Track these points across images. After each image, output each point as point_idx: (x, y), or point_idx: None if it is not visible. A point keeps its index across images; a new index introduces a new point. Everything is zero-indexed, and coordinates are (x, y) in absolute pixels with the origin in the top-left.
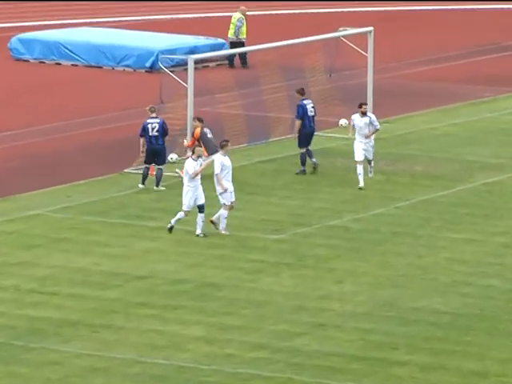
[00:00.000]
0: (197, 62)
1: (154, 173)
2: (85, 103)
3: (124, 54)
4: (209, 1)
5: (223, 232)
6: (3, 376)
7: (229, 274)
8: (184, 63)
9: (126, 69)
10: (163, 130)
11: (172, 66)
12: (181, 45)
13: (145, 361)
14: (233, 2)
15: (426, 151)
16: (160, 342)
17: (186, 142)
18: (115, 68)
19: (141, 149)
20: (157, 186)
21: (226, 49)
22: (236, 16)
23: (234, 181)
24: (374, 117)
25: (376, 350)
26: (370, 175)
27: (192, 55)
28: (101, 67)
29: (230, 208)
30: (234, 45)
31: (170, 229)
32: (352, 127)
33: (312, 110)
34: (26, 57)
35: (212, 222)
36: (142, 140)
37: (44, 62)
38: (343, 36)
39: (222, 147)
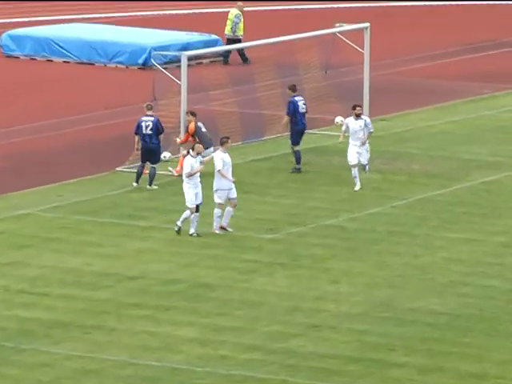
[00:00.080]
0: (190, 58)
1: (147, 171)
2: (76, 100)
3: (116, 50)
4: None
5: (216, 231)
6: None
7: (222, 274)
8: (177, 60)
9: (119, 65)
10: (157, 129)
11: (165, 63)
12: (174, 41)
13: (137, 362)
14: None
15: (423, 149)
16: (152, 343)
17: (178, 140)
18: (107, 65)
19: (135, 146)
20: (149, 184)
21: (220, 45)
22: (233, 12)
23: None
24: (369, 120)
25: (372, 352)
26: (357, 187)
27: (185, 52)
28: (93, 64)
29: (234, 206)
30: (230, 41)
31: (178, 231)
32: (343, 132)
33: (304, 106)
34: (17, 53)
35: (223, 228)
36: (136, 138)
37: (35, 59)
38: (339, 32)
39: (222, 144)
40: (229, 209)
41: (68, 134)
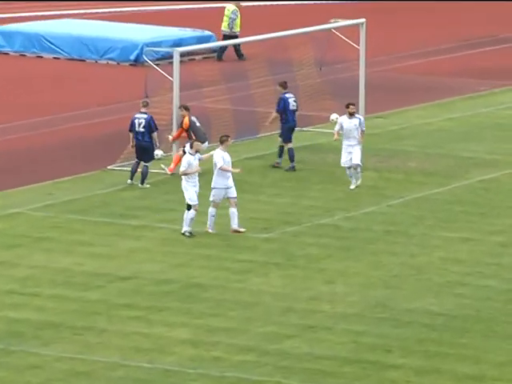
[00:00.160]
0: (183, 54)
1: (139, 169)
2: (67, 97)
3: (107, 46)
4: None
5: (210, 230)
6: None
7: (216, 275)
8: (169, 56)
9: (110, 62)
10: (149, 127)
11: (157, 59)
12: (166, 37)
13: (129, 364)
14: None
15: (420, 147)
16: (144, 344)
17: (170, 137)
18: (98, 61)
19: (131, 143)
20: (142, 183)
21: (213, 41)
22: (230, 8)
23: (210, 175)
24: (363, 119)
25: (368, 353)
26: (353, 186)
27: (178, 48)
28: (83, 60)
29: (235, 205)
30: (227, 38)
31: (190, 234)
32: (337, 131)
33: (294, 104)
34: (6, 49)
35: (236, 231)
36: (131, 135)
37: (25, 55)
38: (334, 28)
39: (222, 142)
40: (232, 210)
41: (58, 131)
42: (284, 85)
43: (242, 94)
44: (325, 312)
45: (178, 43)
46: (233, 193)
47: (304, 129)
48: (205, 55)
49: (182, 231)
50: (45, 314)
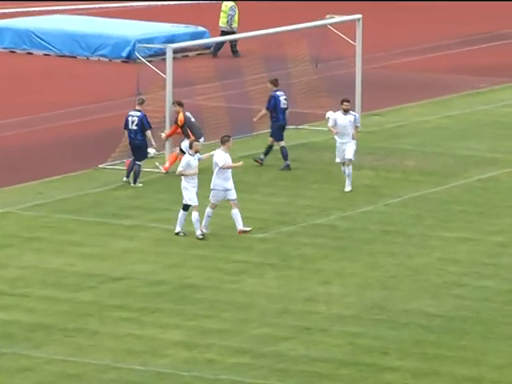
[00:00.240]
0: (176, 51)
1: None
2: (57, 95)
3: (99, 43)
4: None
5: (204, 230)
6: None
7: (210, 275)
8: (162, 53)
9: (101, 58)
10: (141, 125)
11: (149, 56)
12: (159, 33)
13: (121, 367)
14: None
15: (418, 145)
16: (137, 346)
17: (163, 135)
18: (90, 58)
19: (127, 141)
20: (134, 182)
21: (206, 37)
22: (228, 4)
23: (208, 175)
24: (358, 115)
25: (365, 355)
26: (347, 188)
27: (171, 44)
28: (75, 57)
29: (236, 206)
30: (225, 34)
31: (202, 236)
32: (331, 127)
33: (285, 102)
34: None
35: (242, 231)
36: (126, 132)
37: (15, 52)
38: (330, 24)
39: (223, 143)
40: (234, 211)
41: (49, 129)
42: (275, 82)
43: (237, 92)
44: (321, 313)
45: (171, 39)
46: (232, 195)
47: (300, 127)
48: (198, 52)
49: (176, 231)
50: (35, 316)
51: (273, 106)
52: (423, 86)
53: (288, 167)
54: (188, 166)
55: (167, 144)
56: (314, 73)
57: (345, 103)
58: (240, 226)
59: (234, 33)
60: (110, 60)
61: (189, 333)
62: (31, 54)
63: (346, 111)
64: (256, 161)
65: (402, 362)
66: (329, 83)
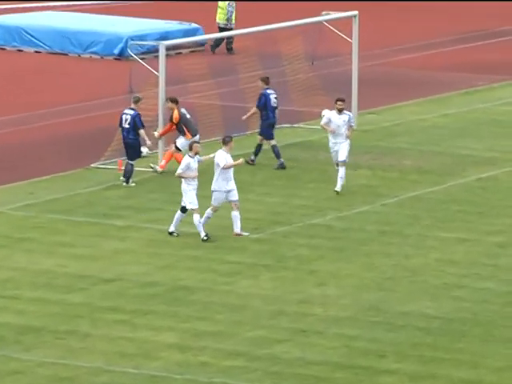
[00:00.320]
0: (169, 48)
1: (122, 168)
2: (49, 93)
3: (91, 40)
4: None
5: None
6: None
7: (203, 277)
8: (155, 50)
9: (93, 56)
10: (134, 124)
11: (142, 53)
12: (151, 30)
13: (113, 370)
14: None
15: (415, 144)
16: (129, 349)
17: (157, 134)
18: (81, 55)
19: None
20: (126, 182)
21: (200, 34)
22: (226, 1)
23: (208, 176)
24: (352, 115)
25: (361, 358)
26: (338, 188)
27: (163, 41)
28: (66, 54)
29: (237, 208)
30: (223, 30)
31: (206, 237)
32: (325, 124)
33: (275, 101)
34: None
35: (238, 234)
36: (119, 130)
37: (4, 49)
38: (326, 21)
39: (225, 144)
40: (234, 213)
41: (39, 128)
42: (266, 80)
43: (231, 89)
44: (316, 315)
45: (164, 36)
46: (234, 196)
47: (295, 125)
48: (192, 49)
49: (169, 231)
50: (26, 318)
51: (263, 104)
52: (420, 83)
53: (282, 165)
54: (188, 168)
55: (160, 143)
56: (309, 70)
57: (339, 103)
58: (237, 229)
59: (231, 29)
60: (102, 57)
61: (182, 335)
62: (21, 51)
63: (340, 111)
64: (247, 162)
65: (399, 364)
66: (325, 81)
